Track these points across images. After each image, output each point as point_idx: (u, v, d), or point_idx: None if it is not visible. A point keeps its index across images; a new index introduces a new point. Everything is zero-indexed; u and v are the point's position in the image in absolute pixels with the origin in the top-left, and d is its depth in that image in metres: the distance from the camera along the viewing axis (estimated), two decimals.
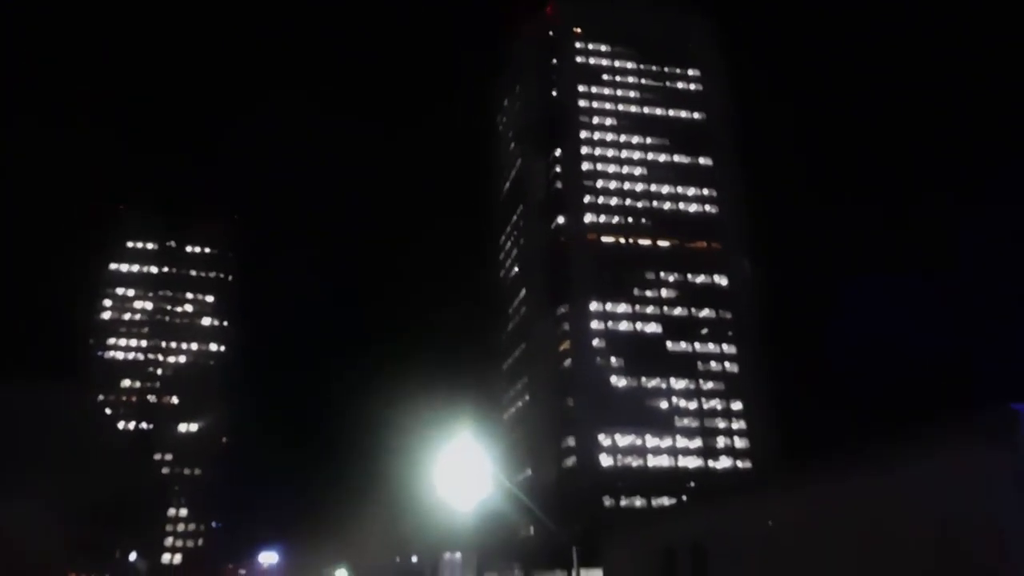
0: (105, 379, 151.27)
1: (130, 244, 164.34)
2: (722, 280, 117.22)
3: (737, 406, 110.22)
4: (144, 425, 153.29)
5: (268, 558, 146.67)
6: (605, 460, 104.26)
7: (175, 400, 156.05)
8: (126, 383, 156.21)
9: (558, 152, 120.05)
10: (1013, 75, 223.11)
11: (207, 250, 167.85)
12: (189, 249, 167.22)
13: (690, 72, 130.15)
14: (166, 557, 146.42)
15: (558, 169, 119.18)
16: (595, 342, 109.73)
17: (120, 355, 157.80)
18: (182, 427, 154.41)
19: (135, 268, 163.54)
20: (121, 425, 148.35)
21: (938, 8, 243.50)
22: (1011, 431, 27.87)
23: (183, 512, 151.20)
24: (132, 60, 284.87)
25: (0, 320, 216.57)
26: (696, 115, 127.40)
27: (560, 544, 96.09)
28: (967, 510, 30.17)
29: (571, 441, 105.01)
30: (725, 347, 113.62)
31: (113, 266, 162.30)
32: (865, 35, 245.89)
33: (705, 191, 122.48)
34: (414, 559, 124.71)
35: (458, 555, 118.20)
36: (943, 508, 30.88)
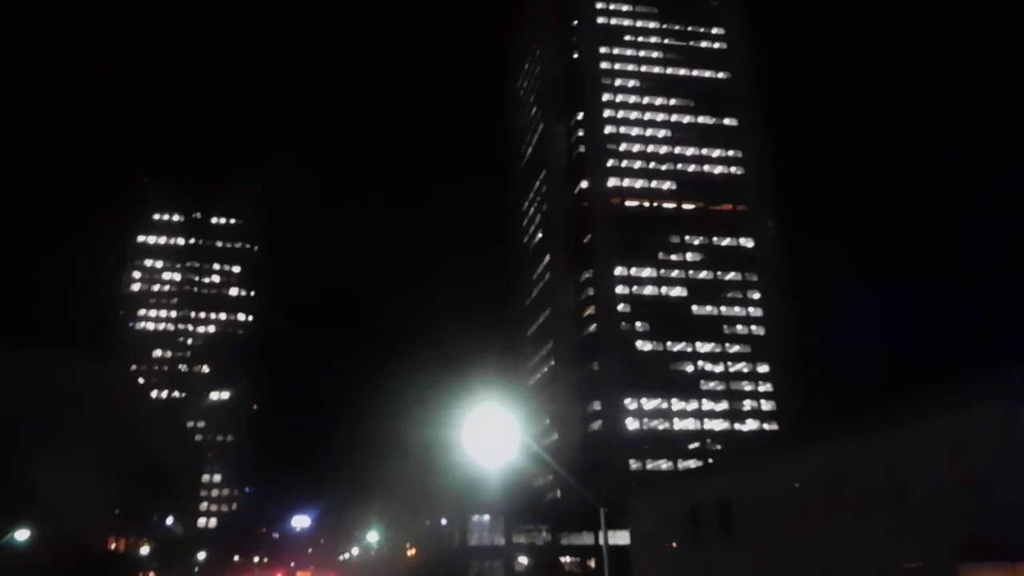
0: (137, 350, 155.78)
1: (156, 216, 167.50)
2: (748, 242, 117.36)
3: (763, 368, 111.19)
4: (176, 394, 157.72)
5: (301, 522, 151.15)
6: (631, 424, 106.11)
7: (205, 369, 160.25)
8: (157, 353, 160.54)
9: (580, 115, 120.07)
10: None
11: (232, 221, 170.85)
12: (215, 220, 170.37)
13: (714, 31, 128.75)
14: (201, 521, 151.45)
15: (580, 133, 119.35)
16: (620, 307, 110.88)
17: (151, 326, 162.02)
18: (213, 395, 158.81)
19: (162, 240, 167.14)
20: (154, 394, 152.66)
21: None
22: None
23: (217, 478, 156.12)
24: (156, 32, 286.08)
25: (33, 293, 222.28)
26: (720, 75, 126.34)
27: (587, 506, 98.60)
28: (992, 463, 31.19)
29: (596, 405, 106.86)
30: (751, 310, 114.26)
31: (140, 238, 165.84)
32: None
33: (730, 152, 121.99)
34: (443, 522, 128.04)
35: (487, 517, 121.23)
36: (969, 462, 31.92)
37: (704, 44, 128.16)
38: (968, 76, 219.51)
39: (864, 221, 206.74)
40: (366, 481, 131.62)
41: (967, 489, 32.41)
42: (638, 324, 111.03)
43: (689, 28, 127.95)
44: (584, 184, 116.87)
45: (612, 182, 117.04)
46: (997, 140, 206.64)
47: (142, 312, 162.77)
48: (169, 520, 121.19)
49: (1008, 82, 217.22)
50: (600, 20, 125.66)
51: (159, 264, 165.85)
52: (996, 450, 31.58)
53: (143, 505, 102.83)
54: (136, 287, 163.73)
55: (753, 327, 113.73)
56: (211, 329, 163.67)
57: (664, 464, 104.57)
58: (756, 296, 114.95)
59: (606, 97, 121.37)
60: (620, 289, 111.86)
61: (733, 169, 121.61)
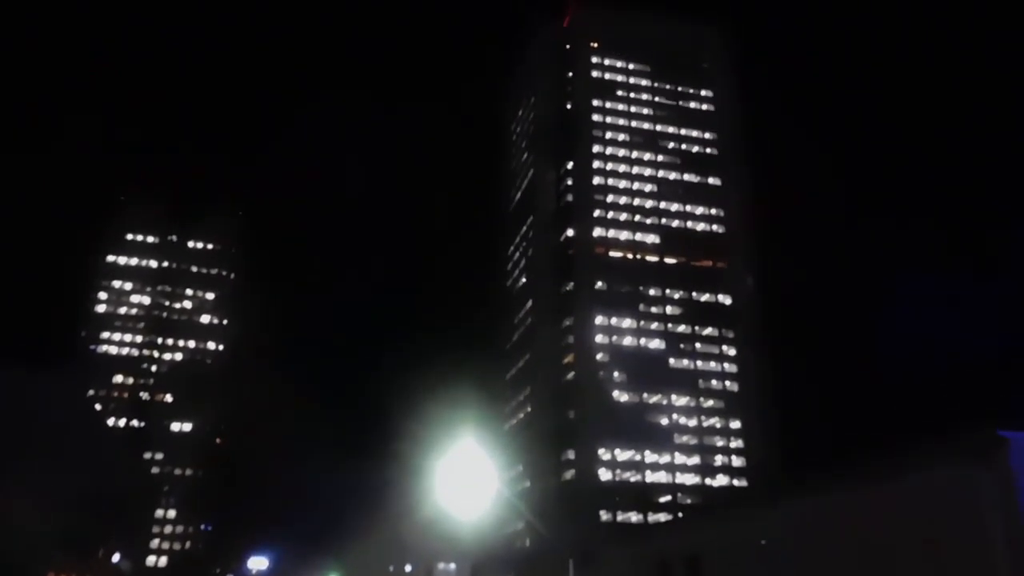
0: (97, 373, 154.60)
1: (130, 236, 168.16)
2: (726, 299, 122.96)
3: (736, 425, 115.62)
4: (135, 422, 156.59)
5: (258, 563, 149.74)
6: (604, 474, 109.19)
7: (169, 398, 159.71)
8: (119, 378, 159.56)
9: (570, 164, 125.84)
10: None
11: (209, 246, 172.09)
12: (191, 244, 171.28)
13: (703, 92, 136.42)
14: (151, 559, 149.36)
15: (569, 181, 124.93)
16: (599, 356, 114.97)
17: (114, 350, 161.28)
18: (175, 426, 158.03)
19: (134, 261, 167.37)
20: (111, 421, 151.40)
21: (952, 25, 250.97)
22: (997, 455, 32.71)
23: (171, 513, 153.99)
24: (140, 51, 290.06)
25: None
26: (707, 134, 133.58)
27: (557, 556, 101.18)
28: (954, 527, 34.82)
29: (571, 454, 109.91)
30: (726, 366, 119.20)
31: (111, 258, 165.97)
32: (879, 59, 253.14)
33: (713, 210, 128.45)
34: (407, 568, 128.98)
35: (452, 566, 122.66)
36: (931, 524, 35.52)
37: (693, 104, 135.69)
38: (957, 135, 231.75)
39: (842, 282, 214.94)
40: (333, 523, 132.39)
41: (927, 552, 35.93)
42: (616, 374, 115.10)
43: (679, 88, 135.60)
44: (570, 232, 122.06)
45: (598, 232, 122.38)
46: (984, 199, 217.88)
47: (106, 335, 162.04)
48: (116, 557, 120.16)
49: (995, 141, 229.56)
50: (595, 74, 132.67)
51: (128, 286, 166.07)
52: (955, 514, 35.29)
53: (90, 538, 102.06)
54: (103, 308, 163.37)
55: (728, 382, 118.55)
56: (178, 356, 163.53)
57: (635, 516, 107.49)
58: (732, 352, 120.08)
59: (596, 148, 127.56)
60: (600, 338, 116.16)
61: (715, 227, 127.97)
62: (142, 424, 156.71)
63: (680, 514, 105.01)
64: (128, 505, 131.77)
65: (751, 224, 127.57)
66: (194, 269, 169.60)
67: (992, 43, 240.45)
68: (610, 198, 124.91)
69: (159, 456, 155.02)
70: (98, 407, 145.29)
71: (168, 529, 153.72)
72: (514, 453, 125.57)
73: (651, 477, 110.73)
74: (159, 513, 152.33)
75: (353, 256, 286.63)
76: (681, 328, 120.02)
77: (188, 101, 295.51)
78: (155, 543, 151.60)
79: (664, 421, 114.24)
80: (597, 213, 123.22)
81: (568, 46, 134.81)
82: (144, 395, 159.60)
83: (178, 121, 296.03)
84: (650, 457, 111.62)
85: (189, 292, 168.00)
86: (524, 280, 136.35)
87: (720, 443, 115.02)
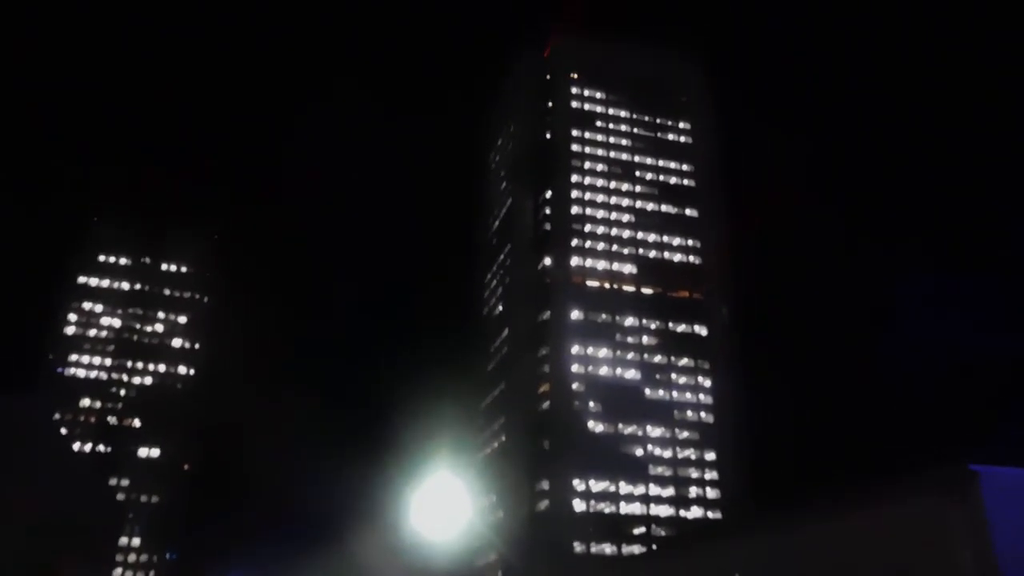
0: (64, 397, 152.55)
1: (102, 258, 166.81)
2: (702, 330, 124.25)
3: (711, 456, 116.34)
4: (102, 447, 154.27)
5: None
6: (578, 505, 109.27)
7: (137, 423, 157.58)
8: (86, 402, 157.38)
9: (548, 194, 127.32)
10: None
11: (184, 268, 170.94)
12: (164, 267, 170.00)
13: (681, 124, 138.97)
14: None
15: (547, 210, 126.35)
16: (575, 385, 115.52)
17: (82, 372, 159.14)
18: (142, 451, 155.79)
19: (105, 283, 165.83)
20: (77, 446, 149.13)
21: (936, 45, 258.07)
22: (969, 489, 33.36)
23: (136, 541, 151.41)
24: (116, 65, 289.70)
25: None
26: (684, 166, 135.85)
27: None
28: (924, 560, 35.35)
29: (545, 484, 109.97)
30: (701, 396, 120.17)
31: (82, 279, 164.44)
32: (857, 87, 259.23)
33: (690, 241, 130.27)
34: None
35: None
36: (902, 556, 36.01)
37: (671, 136, 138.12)
38: (940, 170, 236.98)
39: (817, 313, 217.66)
40: (305, 548, 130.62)
41: None
42: (591, 404, 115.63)
43: (658, 119, 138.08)
44: (547, 260, 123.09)
45: (575, 261, 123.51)
46: (969, 229, 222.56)
47: (74, 357, 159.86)
48: None
49: (984, 172, 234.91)
50: (574, 104, 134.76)
51: (99, 308, 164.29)
52: (926, 547, 35.81)
53: (51, 565, 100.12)
54: (72, 330, 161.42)
55: (703, 413, 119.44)
56: (148, 380, 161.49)
57: (608, 548, 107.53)
58: (707, 383, 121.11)
59: (574, 178, 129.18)
60: (576, 368, 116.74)
61: (692, 257, 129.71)
62: (109, 449, 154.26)
63: (654, 546, 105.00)
64: (92, 532, 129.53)
65: (727, 255, 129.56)
66: (167, 292, 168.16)
67: (976, 60, 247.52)
68: (588, 227, 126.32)
69: (125, 482, 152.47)
70: (64, 431, 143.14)
71: (132, 557, 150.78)
72: (488, 481, 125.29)
73: (625, 508, 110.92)
74: (123, 541, 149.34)
75: (331, 279, 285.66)
76: (657, 358, 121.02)
77: (163, 120, 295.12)
78: (118, 571, 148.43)
79: (639, 452, 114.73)
80: (575, 242, 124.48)
81: (548, 76, 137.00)
82: (112, 419, 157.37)
83: (154, 140, 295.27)
84: (624, 488, 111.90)
85: (161, 315, 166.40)
86: (501, 308, 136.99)
87: (695, 474, 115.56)
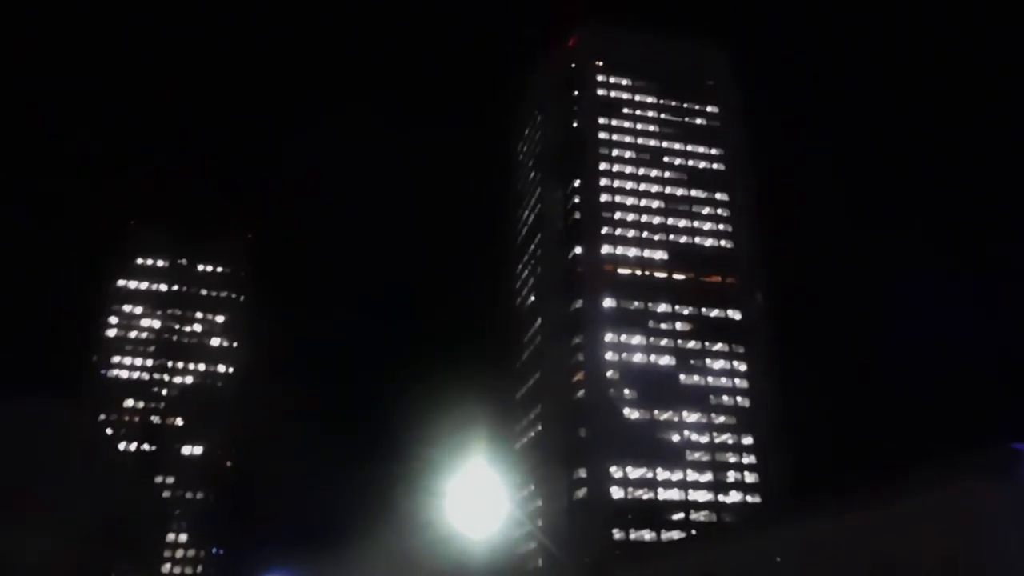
0: (108, 398, 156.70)
1: (140, 260, 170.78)
2: (736, 314, 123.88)
3: (748, 440, 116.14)
4: (146, 446, 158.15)
5: None
6: (616, 492, 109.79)
7: (179, 421, 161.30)
8: (129, 403, 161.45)
9: (577, 183, 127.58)
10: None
11: (219, 269, 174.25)
12: (200, 267, 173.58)
13: (708, 108, 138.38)
14: None
15: (577, 200, 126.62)
16: (609, 373, 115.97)
17: (124, 374, 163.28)
18: (186, 449, 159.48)
19: (144, 285, 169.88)
20: (122, 446, 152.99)
21: (953, 29, 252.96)
22: (1012, 469, 33.36)
23: (183, 537, 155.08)
24: (151, 75, 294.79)
25: (4, 333, 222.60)
26: (714, 150, 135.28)
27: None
28: (970, 543, 35.24)
29: (582, 472, 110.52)
30: (737, 381, 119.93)
31: (121, 283, 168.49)
32: (881, 67, 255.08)
33: (721, 226, 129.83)
34: None
35: None
36: (947, 541, 35.86)
37: (699, 121, 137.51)
38: (964, 148, 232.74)
39: (852, 293, 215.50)
40: (345, 541, 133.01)
41: (946, 568, 36.22)
42: (626, 391, 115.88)
43: (685, 105, 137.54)
44: (578, 250, 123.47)
45: (606, 249, 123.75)
46: (992, 211, 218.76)
47: (116, 359, 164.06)
48: None
49: (1004, 156, 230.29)
50: (600, 92, 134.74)
51: (138, 310, 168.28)
52: (971, 529, 35.66)
53: (101, 565, 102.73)
54: (112, 333, 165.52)
55: (739, 398, 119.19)
56: (188, 380, 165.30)
57: (647, 534, 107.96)
58: (743, 368, 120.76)
59: (603, 166, 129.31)
60: (610, 356, 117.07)
61: (723, 242, 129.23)
62: (153, 448, 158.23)
63: (693, 531, 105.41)
64: (139, 530, 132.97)
65: (759, 239, 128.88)
66: (203, 292, 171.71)
67: (994, 46, 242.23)
68: (617, 215, 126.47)
69: (170, 480, 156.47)
70: (109, 432, 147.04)
71: (179, 553, 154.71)
72: (525, 472, 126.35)
73: (663, 494, 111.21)
74: (170, 537, 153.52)
75: (363, 275, 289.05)
76: (691, 344, 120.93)
77: (196, 124, 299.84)
78: (167, 567, 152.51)
79: (675, 438, 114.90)
80: (605, 231, 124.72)
81: (573, 65, 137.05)
82: (155, 419, 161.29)
83: (188, 144, 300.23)
84: (662, 474, 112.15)
85: (199, 315, 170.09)
86: (533, 299, 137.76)
87: (732, 459, 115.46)
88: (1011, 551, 33.30)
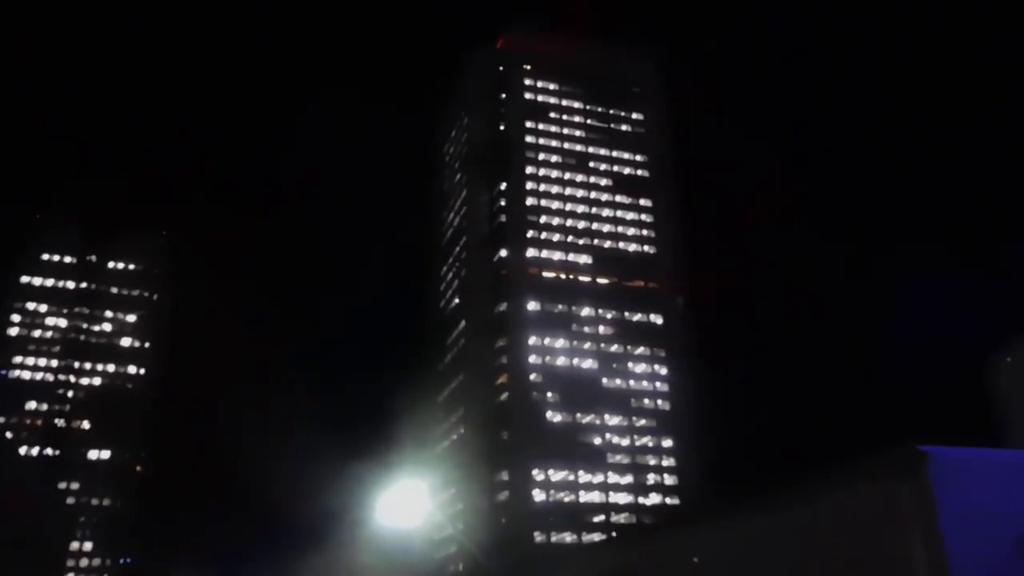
0: (9, 400, 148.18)
1: (45, 256, 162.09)
2: (657, 319, 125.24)
3: (668, 443, 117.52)
4: (49, 451, 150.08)
5: None
6: (538, 495, 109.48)
7: (86, 425, 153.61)
8: (31, 405, 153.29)
9: (503, 186, 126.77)
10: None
11: (131, 266, 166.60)
12: (112, 264, 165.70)
13: (634, 115, 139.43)
14: None
15: (502, 202, 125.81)
16: (532, 376, 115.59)
17: (27, 375, 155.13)
18: (92, 454, 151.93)
19: (49, 282, 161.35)
20: (23, 450, 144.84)
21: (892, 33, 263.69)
22: (918, 470, 33.78)
23: (88, 546, 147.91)
24: (66, 60, 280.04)
25: None
26: (638, 156, 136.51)
27: None
28: (878, 543, 35.76)
29: (505, 475, 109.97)
30: (658, 384, 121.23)
31: (25, 279, 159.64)
32: (808, 74, 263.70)
33: (644, 231, 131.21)
34: None
35: None
36: (856, 542, 36.34)
37: (624, 127, 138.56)
38: (892, 159, 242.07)
39: (771, 299, 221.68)
40: (263, 555, 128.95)
41: (857, 569, 36.70)
42: (549, 394, 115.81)
43: (611, 111, 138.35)
44: (503, 252, 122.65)
45: (531, 252, 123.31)
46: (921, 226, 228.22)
47: (19, 359, 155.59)
48: None
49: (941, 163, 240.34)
50: (528, 96, 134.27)
51: (43, 308, 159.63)
52: (878, 531, 36.25)
53: None
54: (15, 331, 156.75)
55: (660, 401, 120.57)
56: (96, 381, 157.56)
57: (569, 536, 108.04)
58: (663, 371, 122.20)
59: (529, 170, 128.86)
60: (533, 359, 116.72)
61: (646, 247, 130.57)
62: (57, 452, 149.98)
63: (614, 533, 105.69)
64: (39, 538, 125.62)
65: (682, 244, 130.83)
66: (114, 290, 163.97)
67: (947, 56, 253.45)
68: (543, 219, 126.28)
69: (75, 486, 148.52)
70: (8, 435, 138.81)
71: (84, 562, 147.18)
72: (447, 474, 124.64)
73: (584, 497, 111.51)
74: (74, 545, 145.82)
75: (287, 275, 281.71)
76: (613, 348, 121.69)
77: (110, 114, 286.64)
78: None
79: (597, 441, 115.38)
80: (530, 234, 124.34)
81: (501, 68, 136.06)
82: (60, 422, 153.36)
83: (101, 136, 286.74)
84: (583, 477, 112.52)
85: (108, 314, 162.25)
86: (457, 301, 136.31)
87: (653, 462, 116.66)
88: (915, 548, 33.69)
